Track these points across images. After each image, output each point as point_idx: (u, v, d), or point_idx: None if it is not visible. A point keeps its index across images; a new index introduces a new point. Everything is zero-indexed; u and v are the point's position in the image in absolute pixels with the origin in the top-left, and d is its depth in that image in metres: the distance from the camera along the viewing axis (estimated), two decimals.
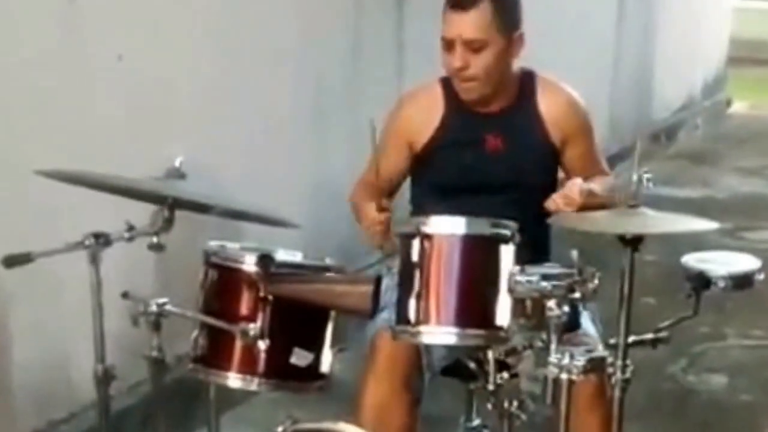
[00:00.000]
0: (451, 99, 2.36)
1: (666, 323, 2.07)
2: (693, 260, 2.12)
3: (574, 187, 2.19)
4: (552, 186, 2.33)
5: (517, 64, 2.39)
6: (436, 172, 2.34)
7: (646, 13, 7.11)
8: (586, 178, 2.32)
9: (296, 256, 2.07)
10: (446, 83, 2.38)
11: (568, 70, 3.73)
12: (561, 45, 5.19)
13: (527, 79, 2.39)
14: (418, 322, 1.86)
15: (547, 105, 2.37)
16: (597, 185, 2.27)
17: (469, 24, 2.22)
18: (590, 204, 2.16)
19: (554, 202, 2.18)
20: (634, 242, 1.92)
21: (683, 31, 7.71)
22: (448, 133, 2.35)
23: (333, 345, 1.99)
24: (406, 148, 2.37)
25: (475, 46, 2.23)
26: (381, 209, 2.11)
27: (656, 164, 6.69)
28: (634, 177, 1.94)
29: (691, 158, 7.40)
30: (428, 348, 2.16)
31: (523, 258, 1.89)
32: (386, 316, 2.06)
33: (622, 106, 6.72)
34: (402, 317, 1.87)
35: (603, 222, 1.99)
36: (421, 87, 2.47)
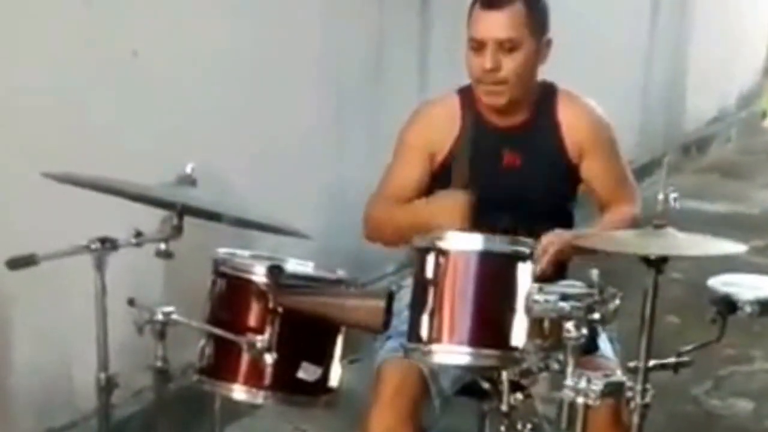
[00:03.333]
0: (470, 112, 2.30)
1: (689, 347, 2.00)
2: (719, 283, 2.05)
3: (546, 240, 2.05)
4: (571, 202, 2.26)
5: (545, 73, 2.33)
6: (452, 186, 2.28)
7: (680, 22, 7.01)
8: (609, 197, 2.26)
9: (308, 267, 2.03)
10: (464, 95, 2.32)
11: (599, 79, 3.69)
12: (592, 53, 5.12)
13: (548, 92, 2.33)
14: (430, 341, 1.80)
15: (567, 120, 2.30)
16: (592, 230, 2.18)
17: (503, 23, 2.16)
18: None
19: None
20: (658, 263, 1.86)
21: (718, 40, 7.59)
22: (465, 147, 2.28)
23: (344, 357, 1.95)
24: (428, 162, 2.30)
25: (507, 46, 2.17)
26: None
27: (686, 177, 6.59)
28: (661, 196, 1.87)
29: (722, 172, 7.28)
30: (436, 374, 2.10)
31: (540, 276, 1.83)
32: (393, 345, 2.00)
33: (653, 116, 6.63)
34: (414, 334, 1.82)
35: (627, 242, 1.93)
36: (438, 99, 2.40)
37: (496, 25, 2.16)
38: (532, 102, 2.30)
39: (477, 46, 2.19)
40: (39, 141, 2.41)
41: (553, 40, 2.26)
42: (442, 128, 2.30)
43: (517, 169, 2.27)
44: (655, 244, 1.87)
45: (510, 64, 2.18)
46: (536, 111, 2.30)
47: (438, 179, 2.31)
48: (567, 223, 2.31)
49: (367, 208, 2.35)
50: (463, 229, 2.02)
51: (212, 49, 2.93)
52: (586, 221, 2.41)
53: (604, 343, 2.13)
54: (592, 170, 2.31)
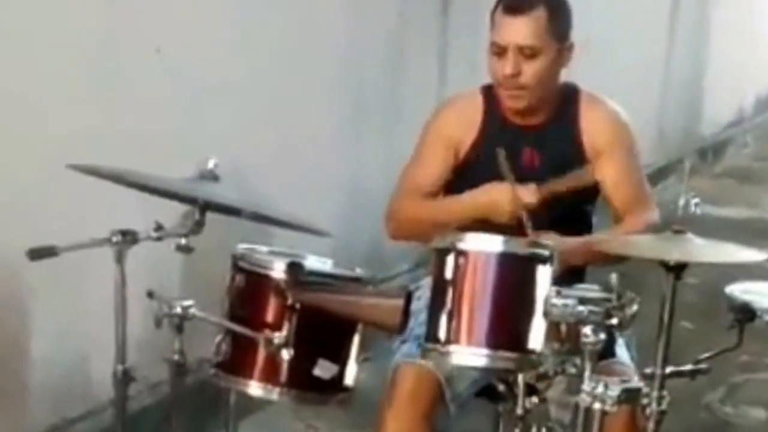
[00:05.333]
0: (491, 109, 2.30)
1: (706, 354, 2.00)
2: (738, 290, 2.04)
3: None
4: (589, 207, 2.25)
5: (566, 75, 2.32)
6: (470, 183, 2.27)
7: (698, 27, 6.99)
8: (623, 202, 2.24)
9: (326, 264, 2.03)
10: (487, 93, 2.32)
11: (617, 83, 3.67)
12: (610, 56, 5.11)
13: (570, 94, 2.32)
14: (448, 341, 1.80)
15: (587, 122, 2.29)
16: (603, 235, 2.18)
17: (525, 29, 2.17)
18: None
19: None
20: (677, 269, 1.85)
21: (735, 45, 7.57)
22: (485, 144, 2.28)
23: (359, 356, 1.95)
24: (451, 156, 2.30)
25: (528, 53, 2.17)
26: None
27: (702, 182, 6.56)
28: (681, 202, 1.87)
29: (738, 177, 7.25)
30: (451, 379, 2.10)
31: (557, 278, 1.82)
32: (408, 348, 2.00)
33: (670, 120, 6.61)
34: (432, 335, 1.82)
35: (646, 247, 1.92)
36: (461, 95, 2.41)
37: (518, 31, 2.17)
38: (554, 103, 2.29)
39: (499, 50, 2.20)
40: (63, 134, 2.41)
41: (575, 44, 2.26)
42: (465, 124, 2.30)
43: (534, 169, 2.26)
44: (675, 250, 1.86)
45: (530, 70, 2.18)
46: (557, 112, 2.30)
47: (460, 175, 2.30)
48: (585, 227, 2.31)
49: (392, 206, 2.33)
50: (514, 221, 2.05)
51: (235, 46, 2.94)
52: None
53: (620, 349, 2.12)
54: (606, 172, 2.27)
